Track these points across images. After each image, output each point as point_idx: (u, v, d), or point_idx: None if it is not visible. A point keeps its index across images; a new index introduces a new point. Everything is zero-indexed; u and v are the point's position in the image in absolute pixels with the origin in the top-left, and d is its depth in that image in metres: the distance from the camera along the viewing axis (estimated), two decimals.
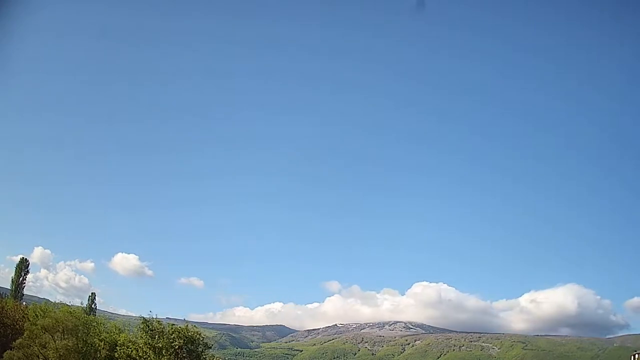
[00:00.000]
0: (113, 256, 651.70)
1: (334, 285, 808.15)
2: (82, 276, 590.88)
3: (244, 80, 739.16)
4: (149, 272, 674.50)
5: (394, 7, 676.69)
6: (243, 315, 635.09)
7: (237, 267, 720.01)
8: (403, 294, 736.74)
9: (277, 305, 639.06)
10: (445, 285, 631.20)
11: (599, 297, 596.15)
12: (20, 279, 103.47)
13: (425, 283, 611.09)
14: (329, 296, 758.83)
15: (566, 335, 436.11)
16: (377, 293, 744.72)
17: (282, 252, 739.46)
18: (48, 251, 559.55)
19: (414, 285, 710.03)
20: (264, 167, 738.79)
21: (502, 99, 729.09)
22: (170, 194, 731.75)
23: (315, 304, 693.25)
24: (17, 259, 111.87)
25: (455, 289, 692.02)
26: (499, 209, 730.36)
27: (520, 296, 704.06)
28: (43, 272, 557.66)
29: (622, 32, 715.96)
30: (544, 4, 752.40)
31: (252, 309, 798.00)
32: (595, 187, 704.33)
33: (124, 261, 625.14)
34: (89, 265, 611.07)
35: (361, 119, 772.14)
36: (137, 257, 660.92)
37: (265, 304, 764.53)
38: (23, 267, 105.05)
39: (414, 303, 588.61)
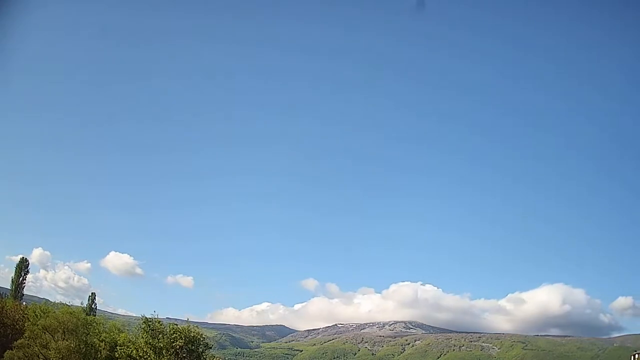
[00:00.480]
0: (107, 256, 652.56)
1: (311, 282, 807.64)
2: (80, 276, 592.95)
3: (244, 80, 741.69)
4: (141, 271, 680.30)
5: (394, 6, 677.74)
6: (231, 315, 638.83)
7: (225, 267, 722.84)
8: (379, 293, 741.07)
9: (263, 306, 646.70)
10: (430, 285, 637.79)
11: (587, 297, 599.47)
12: (20, 279, 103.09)
13: (407, 282, 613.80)
14: (306, 294, 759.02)
15: (566, 335, 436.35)
16: (355, 292, 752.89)
17: (265, 252, 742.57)
18: (47, 252, 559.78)
19: (393, 284, 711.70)
20: (261, 166, 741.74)
21: (502, 99, 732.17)
22: (165, 194, 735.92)
23: (302, 304, 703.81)
24: (17, 259, 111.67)
25: (442, 290, 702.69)
26: (492, 210, 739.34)
27: (507, 296, 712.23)
28: (42, 272, 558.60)
29: (622, 32, 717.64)
30: (544, 4, 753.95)
31: (239, 309, 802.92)
32: (593, 188, 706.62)
33: (118, 261, 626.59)
34: (85, 265, 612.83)
35: (361, 119, 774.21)
36: (130, 256, 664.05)
37: (253, 305, 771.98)
38: (23, 267, 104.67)
39: (394, 302, 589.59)
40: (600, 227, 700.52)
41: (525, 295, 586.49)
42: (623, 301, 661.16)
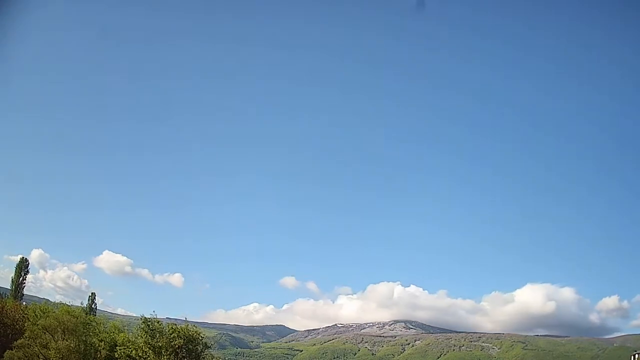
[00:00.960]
0: (101, 255, 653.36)
1: (290, 280, 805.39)
2: (79, 277, 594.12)
3: (244, 79, 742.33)
4: (134, 271, 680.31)
5: (394, 6, 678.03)
6: (222, 316, 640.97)
7: (212, 267, 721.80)
8: (357, 292, 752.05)
9: (250, 307, 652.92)
10: (414, 285, 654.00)
11: (576, 296, 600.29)
12: (20, 279, 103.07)
13: (391, 282, 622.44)
14: (287, 293, 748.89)
15: (566, 336, 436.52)
16: (333, 290, 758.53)
17: (245, 251, 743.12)
18: (45, 253, 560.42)
19: (373, 284, 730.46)
20: (254, 166, 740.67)
21: (502, 99, 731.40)
22: (159, 194, 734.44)
23: (290, 304, 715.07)
24: (16, 258, 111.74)
25: (422, 289, 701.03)
26: (492, 209, 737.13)
27: (491, 294, 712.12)
28: (41, 272, 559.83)
29: (622, 32, 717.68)
30: (544, 4, 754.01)
31: (226, 310, 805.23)
32: (593, 188, 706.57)
33: (112, 259, 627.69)
34: (81, 266, 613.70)
35: (360, 119, 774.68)
36: (123, 255, 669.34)
37: (241, 306, 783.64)
38: (23, 267, 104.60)
39: (374, 302, 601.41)
40: (590, 227, 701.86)
41: (510, 295, 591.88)
42: (608, 301, 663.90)
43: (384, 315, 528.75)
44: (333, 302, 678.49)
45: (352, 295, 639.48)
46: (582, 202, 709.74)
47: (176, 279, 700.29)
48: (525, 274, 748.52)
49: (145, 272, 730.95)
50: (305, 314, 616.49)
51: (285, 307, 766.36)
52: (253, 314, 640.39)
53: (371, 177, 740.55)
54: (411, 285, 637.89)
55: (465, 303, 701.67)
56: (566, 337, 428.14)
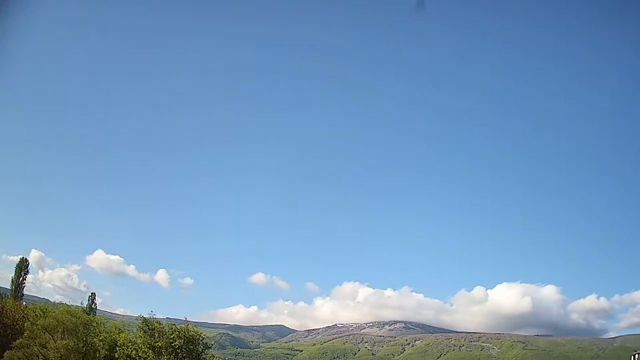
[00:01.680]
0: (94, 255, 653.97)
1: (260, 277, 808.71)
2: (77, 276, 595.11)
3: (245, 79, 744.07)
4: (124, 268, 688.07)
5: (394, 6, 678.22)
6: (210, 315, 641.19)
7: (200, 267, 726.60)
8: (325, 289, 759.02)
9: (234, 310, 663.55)
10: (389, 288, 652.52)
11: (558, 296, 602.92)
12: (20, 279, 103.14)
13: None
14: (256, 288, 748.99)
15: (566, 336, 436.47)
16: (302, 287, 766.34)
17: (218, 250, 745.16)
18: (42, 253, 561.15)
19: (339, 286, 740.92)
20: (246, 166, 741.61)
21: (502, 99, 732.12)
22: (152, 193, 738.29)
23: (273, 303, 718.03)
24: (15, 259, 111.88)
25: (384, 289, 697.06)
26: (493, 208, 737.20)
27: (459, 293, 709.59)
28: (40, 273, 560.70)
29: (622, 32, 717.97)
30: (544, 4, 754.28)
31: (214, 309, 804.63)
32: (590, 189, 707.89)
33: (103, 258, 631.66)
34: (76, 267, 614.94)
35: (361, 119, 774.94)
36: (117, 255, 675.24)
37: (227, 307, 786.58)
38: (23, 267, 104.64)
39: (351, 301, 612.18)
40: (584, 226, 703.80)
41: (487, 292, 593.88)
42: (584, 302, 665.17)
43: (355, 315, 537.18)
44: (310, 305, 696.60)
45: (324, 295, 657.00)
46: (575, 202, 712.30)
47: (161, 277, 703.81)
48: (508, 272, 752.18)
49: (131, 268, 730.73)
50: (285, 313, 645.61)
51: (268, 307, 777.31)
52: (236, 314, 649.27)
53: (359, 177, 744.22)
54: (387, 287, 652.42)
55: (434, 303, 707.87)
56: (566, 337, 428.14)
